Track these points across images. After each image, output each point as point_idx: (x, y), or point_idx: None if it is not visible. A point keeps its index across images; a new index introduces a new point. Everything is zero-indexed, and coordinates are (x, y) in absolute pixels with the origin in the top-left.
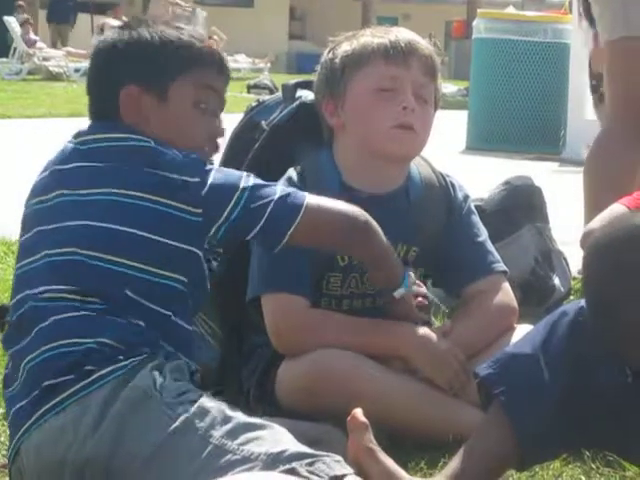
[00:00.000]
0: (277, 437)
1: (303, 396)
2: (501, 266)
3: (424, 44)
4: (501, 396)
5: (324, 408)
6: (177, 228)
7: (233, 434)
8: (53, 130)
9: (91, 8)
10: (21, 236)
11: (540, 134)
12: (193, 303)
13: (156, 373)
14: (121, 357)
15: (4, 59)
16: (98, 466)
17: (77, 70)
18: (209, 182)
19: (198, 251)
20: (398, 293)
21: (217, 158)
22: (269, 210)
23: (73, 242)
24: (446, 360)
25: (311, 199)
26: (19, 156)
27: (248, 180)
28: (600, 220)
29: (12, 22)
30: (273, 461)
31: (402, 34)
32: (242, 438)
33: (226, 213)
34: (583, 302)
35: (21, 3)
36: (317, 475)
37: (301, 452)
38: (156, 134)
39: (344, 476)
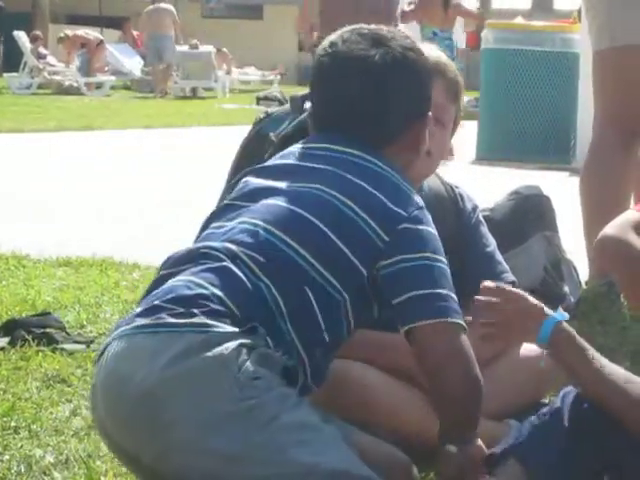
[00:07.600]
0: (323, 446)
1: None
2: (510, 276)
3: (450, 65)
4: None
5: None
6: (360, 241)
7: (287, 430)
8: (64, 144)
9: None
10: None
11: (550, 144)
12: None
13: (244, 350)
14: (227, 320)
15: (15, 73)
16: (149, 408)
17: (87, 84)
18: (414, 225)
19: (364, 271)
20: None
21: (225, 170)
22: (420, 293)
23: (260, 216)
24: None
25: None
26: (30, 171)
27: (443, 261)
28: (614, 226)
29: (22, 37)
30: (305, 473)
31: (428, 53)
32: (292, 439)
33: (400, 258)
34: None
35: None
36: None
37: (334, 469)
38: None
39: None
